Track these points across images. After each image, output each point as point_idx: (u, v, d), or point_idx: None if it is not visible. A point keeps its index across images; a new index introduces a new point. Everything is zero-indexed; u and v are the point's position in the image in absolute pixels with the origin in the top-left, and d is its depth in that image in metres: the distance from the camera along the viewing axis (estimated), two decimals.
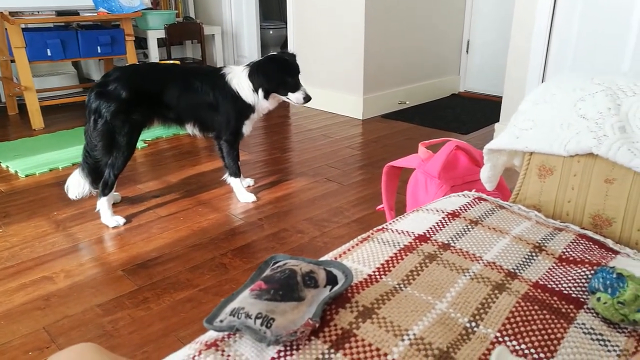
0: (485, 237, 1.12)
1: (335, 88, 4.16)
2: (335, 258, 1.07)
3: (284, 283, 0.87)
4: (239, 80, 2.36)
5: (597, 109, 1.26)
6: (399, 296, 0.91)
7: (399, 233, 1.15)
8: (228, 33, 5.22)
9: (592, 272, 0.98)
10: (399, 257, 1.04)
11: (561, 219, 1.31)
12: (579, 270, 1.00)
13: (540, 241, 1.12)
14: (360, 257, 1.05)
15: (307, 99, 2.36)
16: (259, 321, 0.79)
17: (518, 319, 0.86)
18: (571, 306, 0.90)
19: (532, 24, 3.03)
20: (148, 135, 3.49)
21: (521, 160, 1.45)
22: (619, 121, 1.21)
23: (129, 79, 2.24)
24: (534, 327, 0.84)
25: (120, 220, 2.29)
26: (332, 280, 0.92)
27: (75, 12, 3.88)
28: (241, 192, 2.55)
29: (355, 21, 3.83)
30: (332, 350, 0.79)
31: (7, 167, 2.97)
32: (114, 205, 2.41)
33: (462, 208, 1.26)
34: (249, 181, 2.75)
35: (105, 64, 4.56)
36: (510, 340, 0.81)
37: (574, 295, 0.93)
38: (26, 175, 2.85)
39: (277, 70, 2.33)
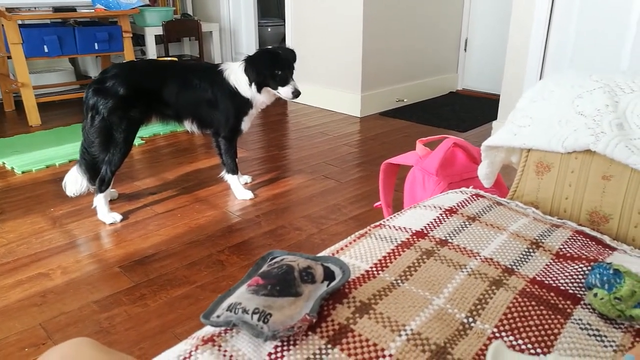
0: (482, 233, 1.12)
1: (333, 85, 4.15)
2: (333, 254, 1.07)
3: (281, 278, 0.86)
4: (236, 76, 2.35)
5: (594, 106, 1.26)
6: (396, 292, 0.91)
7: (397, 229, 1.15)
8: (226, 30, 5.21)
9: (589, 268, 0.98)
10: (397, 253, 1.04)
11: (558, 216, 1.31)
12: (576, 267, 1.00)
13: (537, 237, 1.12)
14: (357, 253, 1.05)
15: (296, 93, 2.34)
16: (256, 316, 0.79)
17: (515, 314, 0.86)
18: (568, 302, 0.90)
19: (530, 22, 3.03)
20: (145, 132, 3.48)
21: (519, 157, 1.45)
22: (616, 118, 1.21)
23: (127, 76, 2.24)
24: (531, 322, 0.84)
25: (117, 217, 2.29)
26: (329, 275, 0.92)
27: (72, 9, 3.87)
28: (238, 189, 2.55)
29: (354, 19, 3.83)
30: (329, 346, 0.78)
31: (4, 163, 2.96)
32: (111, 202, 2.41)
33: (460, 204, 1.26)
34: (247, 178, 2.75)
35: (102, 61, 4.55)
36: (507, 336, 0.81)
37: (571, 291, 0.93)
38: (23, 172, 2.84)
39: (268, 63, 2.32)
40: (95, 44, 3.87)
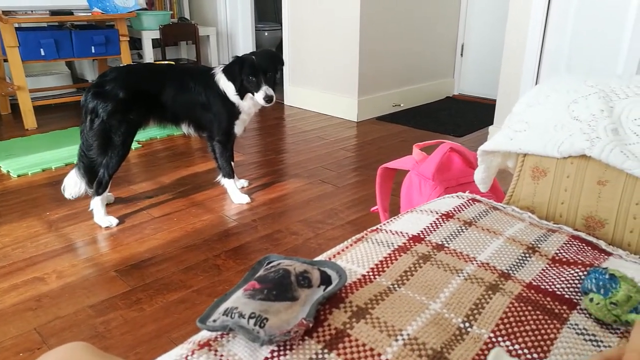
0: (479, 238, 1.13)
1: (330, 90, 4.16)
2: (330, 258, 1.07)
3: (278, 283, 0.86)
4: (225, 81, 2.36)
5: (590, 111, 1.26)
6: (392, 296, 0.91)
7: (393, 234, 1.15)
8: (223, 34, 5.21)
9: (585, 273, 0.98)
10: (393, 258, 1.04)
11: (554, 221, 1.31)
12: (572, 271, 1.00)
13: (533, 242, 1.12)
14: (354, 258, 1.05)
15: (267, 99, 2.30)
16: (252, 321, 0.79)
17: (512, 319, 0.86)
18: (564, 307, 0.90)
19: (527, 27, 3.04)
20: (142, 136, 3.47)
21: (515, 162, 1.46)
22: (611, 123, 1.22)
23: (126, 79, 2.24)
24: (527, 327, 0.84)
25: (113, 220, 2.28)
26: (326, 280, 0.92)
27: (69, 12, 3.87)
28: (235, 193, 2.54)
29: (350, 23, 3.84)
30: (325, 350, 0.78)
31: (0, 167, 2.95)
32: (108, 205, 2.40)
33: (456, 209, 1.26)
34: (243, 182, 2.74)
35: (99, 64, 4.54)
36: (504, 341, 0.81)
37: (567, 296, 0.93)
38: (18, 176, 2.83)
39: (238, 72, 2.31)
40: (92, 48, 3.87)
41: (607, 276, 0.89)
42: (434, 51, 4.58)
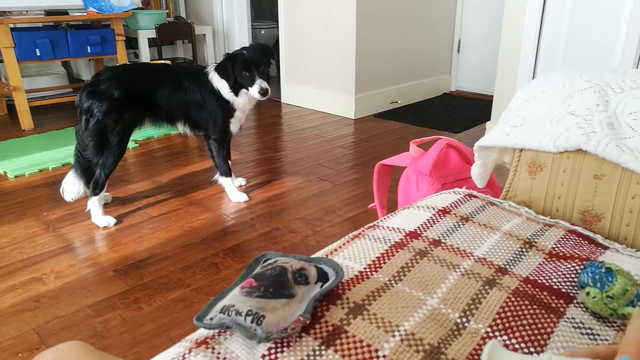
0: (476, 233, 1.13)
1: (327, 87, 4.16)
2: (327, 255, 1.07)
3: (275, 280, 0.86)
4: (218, 79, 2.35)
5: (585, 106, 1.26)
6: (389, 292, 0.91)
7: (390, 230, 1.15)
8: (219, 33, 5.20)
9: (582, 267, 0.98)
10: (390, 254, 1.04)
11: (551, 215, 1.32)
12: (569, 266, 1.00)
13: (530, 237, 1.12)
14: (351, 254, 1.05)
15: (262, 92, 2.30)
16: (249, 318, 0.79)
17: (508, 314, 0.86)
18: (561, 301, 0.90)
19: (523, 23, 3.05)
20: (139, 135, 3.47)
21: (511, 157, 1.46)
22: (607, 117, 1.22)
23: (121, 79, 2.23)
24: (524, 321, 0.84)
25: (111, 220, 2.28)
26: (322, 277, 0.92)
27: (64, 12, 3.85)
28: (233, 191, 2.54)
29: (347, 21, 3.83)
30: (322, 347, 0.78)
31: None
32: (105, 205, 2.40)
33: (453, 205, 1.27)
34: (241, 181, 2.74)
35: (95, 64, 4.53)
36: (501, 335, 0.82)
37: (563, 290, 0.93)
38: (15, 176, 2.83)
39: (230, 68, 2.30)
40: (88, 47, 3.86)
41: (603, 270, 0.89)
42: (430, 48, 4.58)
